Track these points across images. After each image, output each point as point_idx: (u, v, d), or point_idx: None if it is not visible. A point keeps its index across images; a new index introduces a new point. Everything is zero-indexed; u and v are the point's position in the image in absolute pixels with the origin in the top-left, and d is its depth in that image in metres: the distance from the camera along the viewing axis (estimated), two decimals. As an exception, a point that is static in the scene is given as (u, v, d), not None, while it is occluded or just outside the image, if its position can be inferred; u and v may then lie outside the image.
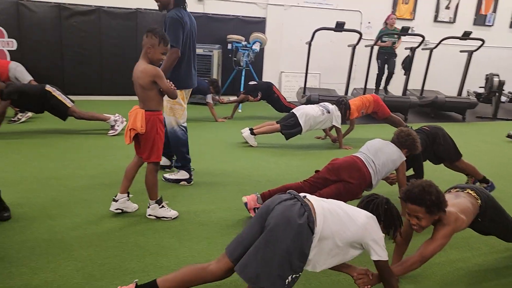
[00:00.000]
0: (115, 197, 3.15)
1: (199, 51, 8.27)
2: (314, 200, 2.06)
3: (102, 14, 8.14)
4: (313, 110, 5.30)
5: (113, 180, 3.83)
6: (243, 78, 8.27)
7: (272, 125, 5.42)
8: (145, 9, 8.37)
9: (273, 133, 5.42)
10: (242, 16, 9.01)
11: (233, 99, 7.49)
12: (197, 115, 7.25)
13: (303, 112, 5.26)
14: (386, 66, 8.85)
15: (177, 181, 3.97)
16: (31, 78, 7.04)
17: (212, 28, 8.79)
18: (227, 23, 8.89)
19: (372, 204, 2.18)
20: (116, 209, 3.15)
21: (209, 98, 6.84)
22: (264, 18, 9.21)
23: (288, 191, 2.12)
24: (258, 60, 9.02)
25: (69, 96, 5.68)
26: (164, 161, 4.16)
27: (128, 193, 3.21)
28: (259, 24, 9.11)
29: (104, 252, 2.62)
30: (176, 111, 3.81)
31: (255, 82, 7.16)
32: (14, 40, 7.79)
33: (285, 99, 7.13)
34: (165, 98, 3.58)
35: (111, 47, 8.29)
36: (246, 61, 8.32)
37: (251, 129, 5.40)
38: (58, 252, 2.59)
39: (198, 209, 3.35)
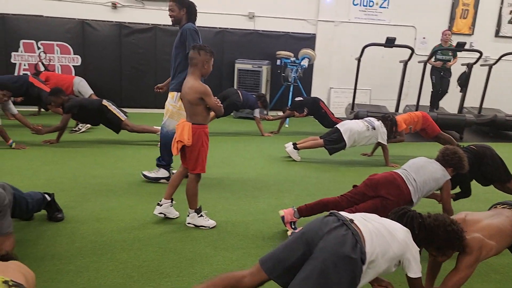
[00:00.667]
0: (160, 201, 3.31)
1: (248, 66, 8.49)
2: (361, 224, 2.01)
3: (158, 31, 8.60)
4: (357, 125, 5.25)
5: (159, 189, 4.01)
6: (291, 93, 8.34)
7: (316, 140, 5.42)
8: (198, 26, 8.71)
9: (317, 148, 5.42)
10: (292, 33, 9.14)
11: (280, 114, 7.58)
12: (244, 129, 7.41)
13: (347, 127, 5.22)
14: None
15: (157, 179, 4.20)
16: (92, 92, 7.55)
17: (262, 44, 8.99)
18: (277, 39, 9.05)
19: (407, 217, 2.14)
20: (160, 213, 3.31)
21: (257, 112, 6.97)
22: (314, 34, 9.28)
23: (331, 213, 2.09)
24: (307, 76, 9.07)
25: (125, 109, 6.04)
26: (163, 172, 4.31)
27: (172, 200, 3.36)
28: (308, 40, 9.19)
29: (143, 256, 2.75)
30: (180, 116, 3.89)
31: (301, 98, 7.20)
32: (78, 56, 8.42)
33: (333, 114, 7.09)
34: (169, 101, 4.04)
35: (165, 62, 8.68)
36: (294, 77, 8.40)
37: (294, 144, 5.43)
38: (102, 253, 2.76)
39: (236, 220, 3.43)
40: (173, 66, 4.15)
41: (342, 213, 2.09)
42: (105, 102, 5.74)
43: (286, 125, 7.71)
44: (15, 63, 8.18)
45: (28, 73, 7.97)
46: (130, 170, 4.65)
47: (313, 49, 9.01)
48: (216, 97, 3.21)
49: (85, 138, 6.13)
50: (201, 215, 3.27)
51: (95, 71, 8.47)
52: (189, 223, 3.26)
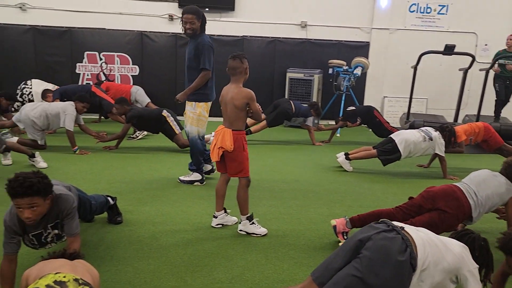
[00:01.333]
0: (215, 214, 3.39)
1: (299, 75, 8.49)
2: (412, 231, 1.97)
3: (212, 42, 8.80)
4: (413, 135, 5.07)
5: (210, 195, 4.09)
6: (343, 103, 8.23)
7: (369, 150, 5.30)
8: (250, 36, 8.87)
9: (369, 159, 5.30)
10: (345, 41, 9.04)
11: (332, 123, 7.49)
12: (295, 138, 7.40)
13: (402, 138, 5.06)
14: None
15: (191, 182, 4.46)
16: (149, 101, 7.88)
17: (314, 53, 8.97)
18: (329, 48, 8.99)
19: (468, 237, 2.05)
20: (217, 225, 3.38)
21: (309, 121, 6.93)
22: (368, 42, 9.13)
23: (382, 220, 2.06)
24: (359, 84, 8.92)
25: (179, 117, 6.22)
26: (195, 175, 4.55)
27: (225, 209, 3.42)
28: (362, 49, 9.05)
29: (196, 260, 2.82)
30: (201, 122, 4.32)
31: (353, 108, 7.07)
32: (137, 66, 8.82)
33: (388, 123, 6.89)
34: (189, 109, 4.24)
35: (218, 71, 8.86)
36: (347, 85, 8.29)
37: (346, 154, 5.35)
38: (158, 256, 2.86)
39: (287, 229, 3.42)
40: (188, 77, 4.35)
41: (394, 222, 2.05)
42: (164, 113, 5.95)
43: (338, 135, 7.61)
44: (79, 73, 8.71)
45: (91, 82, 8.46)
46: (183, 173, 4.77)
47: (367, 57, 8.85)
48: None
49: (142, 145, 6.39)
50: (253, 223, 3.30)
51: (151, 80, 8.83)
52: (241, 230, 3.30)
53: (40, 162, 4.86)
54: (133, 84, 8.65)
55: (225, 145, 3.13)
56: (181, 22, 4.28)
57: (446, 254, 1.92)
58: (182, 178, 4.54)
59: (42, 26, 8.42)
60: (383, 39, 9.15)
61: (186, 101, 4.35)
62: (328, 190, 4.52)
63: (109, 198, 3.34)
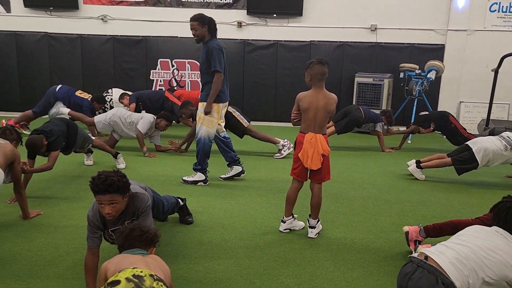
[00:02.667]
0: (283, 219, 3.39)
1: (368, 80, 8.28)
2: (437, 256, 1.97)
3: (280, 47, 8.88)
4: (493, 144, 4.70)
5: (277, 199, 4.11)
6: (414, 108, 7.88)
7: (443, 158, 5.02)
8: (318, 41, 8.80)
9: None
10: (418, 44, 8.67)
11: (402, 129, 7.20)
12: (363, 144, 7.21)
13: (481, 146, 4.71)
14: None
15: (195, 182, 4.57)
16: None
17: (384, 57, 8.69)
18: (400, 51, 8.67)
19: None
20: (285, 229, 3.38)
21: (379, 126, 6.71)
22: (443, 44, 8.68)
23: (409, 257, 2.09)
24: (433, 89, 8.50)
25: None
26: (236, 169, 4.80)
27: (293, 215, 3.42)
28: (436, 52, 8.62)
29: (264, 264, 2.83)
30: (210, 122, 4.44)
31: (427, 113, 6.74)
32: (207, 73, 9.09)
33: (465, 129, 6.47)
34: (200, 110, 4.46)
35: (285, 77, 8.95)
36: (419, 90, 7.93)
37: (418, 162, 5.10)
38: (227, 257, 2.91)
39: (355, 237, 3.33)
40: (202, 80, 4.54)
41: (424, 248, 2.08)
42: (230, 109, 6.09)
43: (409, 141, 7.29)
44: (153, 80, 9.17)
45: (163, 88, 8.87)
46: (251, 180, 4.84)
47: (441, 60, 8.41)
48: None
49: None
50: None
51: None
52: (318, 234, 3.32)
53: (121, 163, 5.17)
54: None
55: (325, 150, 3.16)
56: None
57: (490, 262, 1.96)
58: (185, 178, 4.64)
59: (121, 35, 8.98)
60: (460, 41, 8.64)
61: (199, 102, 4.51)
62: (399, 198, 4.34)
63: (179, 200, 3.46)
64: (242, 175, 4.85)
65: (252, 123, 8.88)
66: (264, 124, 8.99)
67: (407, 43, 8.68)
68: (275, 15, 8.75)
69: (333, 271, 2.77)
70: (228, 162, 4.85)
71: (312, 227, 3.30)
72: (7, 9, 8.95)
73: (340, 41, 8.77)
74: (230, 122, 6.06)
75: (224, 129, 4.86)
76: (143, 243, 2.08)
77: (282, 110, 9.02)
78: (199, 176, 4.62)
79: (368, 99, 8.28)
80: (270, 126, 8.84)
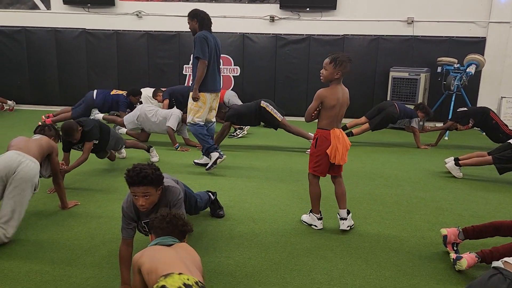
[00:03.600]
0: (315, 215, 3.36)
1: (404, 74, 8.05)
2: None
3: (312, 41, 8.77)
4: (538, 141, 4.49)
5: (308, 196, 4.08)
6: (452, 103, 7.62)
7: (483, 156, 4.82)
8: (352, 35, 8.64)
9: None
10: (457, 37, 8.35)
11: (439, 125, 6.97)
12: (397, 140, 7.05)
13: (524, 144, 4.51)
14: None
15: (215, 162, 4.73)
16: (241, 103, 8.09)
17: (421, 50, 8.43)
18: (438, 45, 8.38)
19: None
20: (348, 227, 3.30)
21: (414, 122, 6.53)
22: (484, 37, 8.32)
23: (494, 267, 1.93)
24: (472, 84, 8.17)
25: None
26: (205, 159, 4.91)
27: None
28: (476, 45, 8.27)
29: (295, 259, 2.81)
30: (196, 112, 4.73)
31: (465, 108, 6.49)
32: (238, 67, 9.12)
33: (506, 126, 6.19)
34: (190, 101, 4.74)
35: (317, 71, 8.76)
36: (457, 85, 7.65)
37: (456, 159, 4.92)
38: (258, 251, 2.91)
39: (389, 234, 3.26)
40: (193, 72, 4.76)
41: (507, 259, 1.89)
42: (263, 103, 6.08)
43: (446, 138, 7.06)
44: (185, 74, 9.27)
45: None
46: (281, 175, 4.82)
47: (482, 54, 8.07)
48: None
49: (241, 142, 6.59)
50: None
51: (251, 80, 9.07)
52: (349, 227, 3.29)
53: (154, 157, 5.27)
54: (234, 84, 9.01)
55: (349, 145, 3.26)
56: None
57: None
58: (196, 160, 5.00)
59: (155, 31, 9.12)
60: (503, 34, 8.26)
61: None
62: (435, 197, 4.21)
63: (210, 194, 3.49)
64: (219, 160, 4.83)
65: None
66: (295, 119, 8.91)
67: (445, 36, 8.38)
68: (308, 9, 8.64)
69: (365, 269, 2.72)
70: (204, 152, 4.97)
71: (343, 219, 3.26)
72: (47, 6, 9.26)
73: (374, 35, 8.57)
74: (265, 117, 6.07)
75: (214, 120, 5.04)
76: (181, 233, 2.13)
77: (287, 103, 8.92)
78: (214, 155, 4.77)
79: (404, 94, 8.06)
80: (302, 122, 8.76)
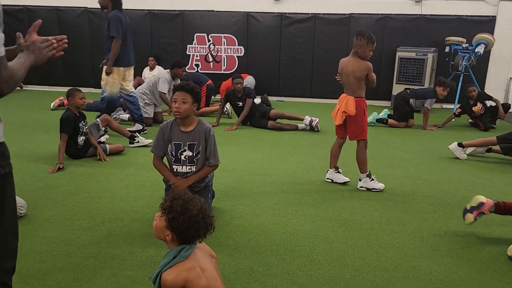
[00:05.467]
0: (328, 171, 3.90)
1: (411, 54, 7.90)
2: None
3: (318, 21, 8.60)
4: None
5: (311, 177, 4.05)
6: (460, 84, 7.49)
7: (488, 139, 4.77)
8: (358, 14, 8.46)
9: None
10: (466, 16, 8.16)
11: (446, 107, 6.83)
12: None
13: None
14: None
15: (138, 131, 5.37)
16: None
17: (429, 30, 8.25)
18: (446, 24, 8.19)
19: None
20: (327, 179, 3.89)
21: (428, 103, 6.37)
22: (494, 16, 8.12)
23: None
24: (481, 64, 8.02)
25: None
26: (137, 126, 5.59)
27: (336, 167, 3.90)
28: (486, 24, 8.08)
29: (295, 240, 2.79)
30: (112, 83, 5.28)
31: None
32: (242, 47, 8.99)
33: None
34: (104, 74, 5.28)
35: (323, 51, 8.69)
36: (465, 65, 7.51)
37: (460, 143, 4.85)
38: (258, 232, 2.88)
39: (391, 216, 3.22)
40: (105, 47, 5.26)
41: None
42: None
43: (453, 120, 6.95)
44: (189, 55, 9.16)
45: (200, 63, 8.89)
46: (284, 156, 4.78)
47: (492, 33, 7.88)
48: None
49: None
50: (372, 179, 3.71)
51: (256, 60, 8.95)
52: (361, 187, 3.72)
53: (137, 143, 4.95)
54: (238, 65, 8.92)
55: (348, 110, 3.59)
56: None
57: None
58: (130, 128, 5.35)
59: (158, 10, 8.99)
60: (513, 12, 8.06)
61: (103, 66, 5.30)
62: (439, 178, 4.15)
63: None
64: (143, 132, 5.51)
65: (288, 99, 8.82)
66: (300, 100, 8.84)
67: (454, 15, 8.18)
68: (313, -13, 8.46)
69: (365, 250, 2.69)
70: (134, 119, 5.65)
71: (359, 179, 3.73)
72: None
73: (382, 14, 8.39)
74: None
75: (132, 89, 5.61)
76: (204, 234, 1.70)
77: (319, 86, 8.82)
78: (137, 126, 5.60)
79: (410, 75, 7.93)
80: (307, 103, 8.69)
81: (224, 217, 3.12)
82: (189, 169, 2.92)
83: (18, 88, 8.76)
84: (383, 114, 6.68)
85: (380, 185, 3.70)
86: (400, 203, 3.50)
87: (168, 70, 6.28)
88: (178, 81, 6.24)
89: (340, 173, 3.90)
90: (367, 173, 3.69)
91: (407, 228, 3.03)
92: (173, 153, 2.88)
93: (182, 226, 1.60)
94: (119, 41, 5.15)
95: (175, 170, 2.93)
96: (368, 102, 7.74)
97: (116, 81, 5.30)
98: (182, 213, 1.60)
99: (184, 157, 2.89)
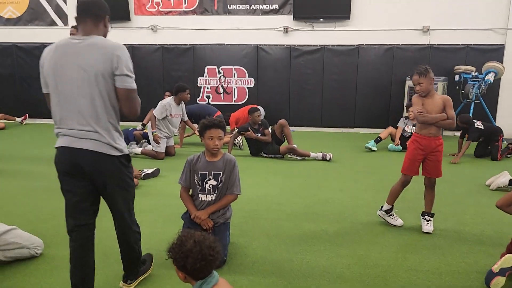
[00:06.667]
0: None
1: (421, 84, 7.90)
2: None
3: (326, 52, 8.73)
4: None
5: (325, 210, 4.01)
6: (471, 112, 7.47)
7: None
8: (366, 44, 8.57)
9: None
10: (474, 45, 8.21)
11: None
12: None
13: None
14: None
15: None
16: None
17: (437, 59, 8.32)
18: (455, 53, 8.26)
19: None
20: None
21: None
22: (502, 45, 8.17)
23: None
24: (492, 92, 8.01)
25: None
26: None
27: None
28: (495, 52, 8.13)
29: (311, 279, 2.74)
30: None
31: (482, 127, 6.33)
32: (252, 79, 9.13)
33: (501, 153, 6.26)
34: None
35: (332, 82, 8.79)
36: (476, 93, 7.50)
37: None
38: (272, 270, 2.85)
39: (408, 253, 3.16)
40: None
41: None
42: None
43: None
44: (200, 87, 9.32)
45: (210, 95, 9.02)
46: (298, 189, 4.76)
47: (501, 61, 7.91)
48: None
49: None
50: (391, 214, 3.67)
51: (266, 91, 9.07)
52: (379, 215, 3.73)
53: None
54: (249, 96, 9.04)
55: None
56: None
57: None
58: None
59: (169, 44, 9.22)
60: (522, 41, 8.10)
61: None
62: (455, 211, 4.09)
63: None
64: None
65: (299, 129, 8.86)
66: (311, 130, 8.87)
67: (462, 44, 8.25)
68: (322, 19, 8.63)
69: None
70: None
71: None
72: (65, 22, 9.47)
73: (390, 44, 8.49)
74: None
75: None
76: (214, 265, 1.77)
77: (329, 115, 8.87)
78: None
79: (420, 104, 7.92)
80: (317, 132, 8.72)
81: (238, 254, 3.09)
82: (212, 198, 3.03)
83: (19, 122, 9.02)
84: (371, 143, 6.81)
85: (398, 222, 3.66)
86: (416, 237, 3.44)
87: (173, 97, 6.38)
88: (182, 103, 6.58)
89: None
90: (390, 206, 3.67)
91: (424, 265, 2.97)
92: (199, 183, 3.00)
93: (192, 269, 1.70)
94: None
95: (200, 199, 3.03)
96: (378, 130, 7.82)
97: None
98: (186, 259, 1.69)
99: (209, 186, 3.01)
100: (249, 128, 6.31)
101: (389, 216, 3.66)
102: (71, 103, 2.16)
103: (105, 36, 2.30)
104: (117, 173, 2.29)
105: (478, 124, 6.31)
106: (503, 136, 6.34)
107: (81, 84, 2.14)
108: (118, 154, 2.26)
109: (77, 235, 2.34)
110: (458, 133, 7.61)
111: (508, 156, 6.43)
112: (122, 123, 2.43)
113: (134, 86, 2.27)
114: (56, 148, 2.28)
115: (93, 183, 2.27)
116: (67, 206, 2.33)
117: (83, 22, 2.22)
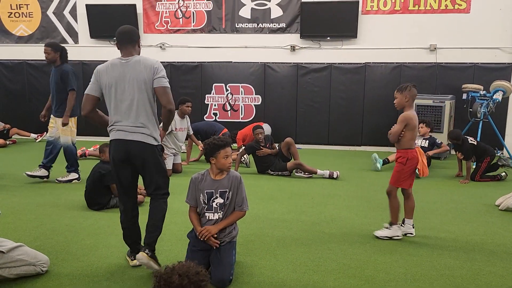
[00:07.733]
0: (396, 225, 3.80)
1: (428, 102, 7.92)
2: None
3: (333, 70, 8.76)
4: None
5: (332, 229, 3.97)
6: (479, 130, 7.42)
7: None
8: (373, 63, 8.60)
9: None
10: (482, 63, 8.21)
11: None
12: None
13: None
14: None
15: (70, 181, 5.64)
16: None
17: (445, 77, 8.32)
18: (462, 71, 8.25)
19: None
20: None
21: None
22: (510, 63, 8.16)
23: None
24: (500, 111, 7.96)
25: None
26: (43, 172, 5.61)
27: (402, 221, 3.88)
28: (502, 71, 8.11)
29: (318, 300, 2.70)
30: (72, 132, 5.57)
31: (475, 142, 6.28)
32: (259, 96, 9.17)
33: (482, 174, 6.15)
34: (59, 123, 5.48)
35: (339, 99, 8.80)
36: (484, 112, 7.46)
37: None
38: (278, 290, 2.81)
39: (417, 273, 3.10)
40: (57, 97, 5.51)
41: None
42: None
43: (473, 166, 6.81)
44: (208, 104, 9.37)
45: (218, 112, 9.07)
46: (303, 207, 4.73)
47: (509, 80, 7.88)
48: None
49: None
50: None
51: (273, 109, 9.09)
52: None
53: None
54: (256, 113, 9.07)
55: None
56: None
57: None
58: (60, 179, 5.64)
59: (177, 62, 9.32)
60: (530, 59, 8.08)
61: (54, 117, 5.60)
62: (464, 231, 4.02)
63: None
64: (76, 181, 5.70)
65: (305, 146, 8.85)
66: (318, 147, 8.85)
67: (469, 63, 8.25)
68: (328, 38, 8.69)
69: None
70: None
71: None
72: (75, 40, 9.62)
73: (397, 62, 8.51)
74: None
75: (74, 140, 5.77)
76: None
77: (337, 133, 8.86)
78: (73, 175, 5.69)
79: (428, 122, 7.90)
80: (324, 150, 8.70)
81: (245, 273, 3.06)
82: (219, 216, 3.01)
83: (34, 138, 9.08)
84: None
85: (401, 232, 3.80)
86: (425, 258, 3.38)
87: (176, 111, 6.39)
88: (187, 117, 6.73)
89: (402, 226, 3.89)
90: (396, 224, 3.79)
91: (434, 286, 2.91)
92: (206, 201, 2.99)
93: None
94: (75, 94, 5.42)
95: (207, 218, 3.00)
96: (386, 149, 7.80)
97: (74, 129, 5.59)
98: None
99: (216, 204, 2.99)
100: (259, 146, 6.32)
101: (404, 227, 3.82)
102: (126, 105, 2.93)
103: (139, 54, 3.09)
104: (155, 159, 2.97)
105: (471, 139, 6.26)
106: (490, 159, 6.14)
107: (134, 91, 2.91)
108: (156, 143, 2.99)
109: (127, 213, 3.10)
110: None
111: (487, 181, 6.13)
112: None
113: (168, 84, 3.02)
114: (111, 141, 3.01)
115: (137, 167, 2.97)
116: (119, 188, 3.07)
117: (124, 47, 3.02)
